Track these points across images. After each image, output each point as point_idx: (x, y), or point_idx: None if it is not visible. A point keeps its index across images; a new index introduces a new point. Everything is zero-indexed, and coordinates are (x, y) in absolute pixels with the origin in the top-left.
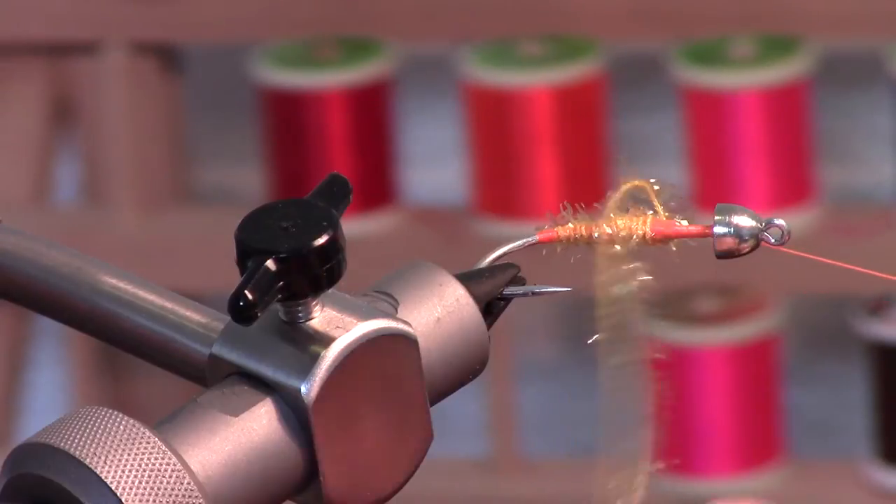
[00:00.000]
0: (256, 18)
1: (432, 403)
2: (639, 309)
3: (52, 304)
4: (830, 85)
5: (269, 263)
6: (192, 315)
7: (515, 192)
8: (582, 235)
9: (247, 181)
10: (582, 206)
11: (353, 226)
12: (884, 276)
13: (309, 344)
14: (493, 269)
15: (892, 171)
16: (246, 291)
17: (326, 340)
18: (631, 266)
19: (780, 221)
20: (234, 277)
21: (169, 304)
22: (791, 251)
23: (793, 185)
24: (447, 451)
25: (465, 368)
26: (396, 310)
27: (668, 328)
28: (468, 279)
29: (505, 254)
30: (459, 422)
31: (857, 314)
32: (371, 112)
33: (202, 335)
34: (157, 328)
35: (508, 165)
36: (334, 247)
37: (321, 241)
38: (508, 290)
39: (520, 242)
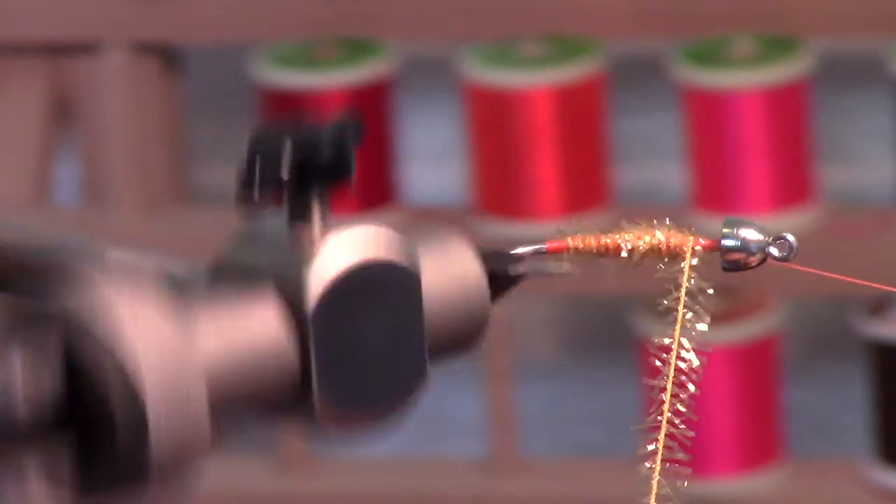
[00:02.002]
0: (256, 18)
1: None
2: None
3: None
4: (830, 85)
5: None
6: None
7: (515, 191)
8: (593, 247)
9: None
10: (584, 218)
11: None
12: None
13: (312, 255)
14: (502, 252)
15: (892, 171)
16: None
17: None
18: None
19: (788, 237)
20: None
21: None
22: (795, 266)
23: (793, 185)
24: (446, 450)
25: (465, 329)
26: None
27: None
28: (479, 250)
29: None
30: (458, 422)
31: (857, 314)
32: (371, 112)
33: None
34: None
35: (508, 165)
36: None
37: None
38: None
39: (529, 249)
